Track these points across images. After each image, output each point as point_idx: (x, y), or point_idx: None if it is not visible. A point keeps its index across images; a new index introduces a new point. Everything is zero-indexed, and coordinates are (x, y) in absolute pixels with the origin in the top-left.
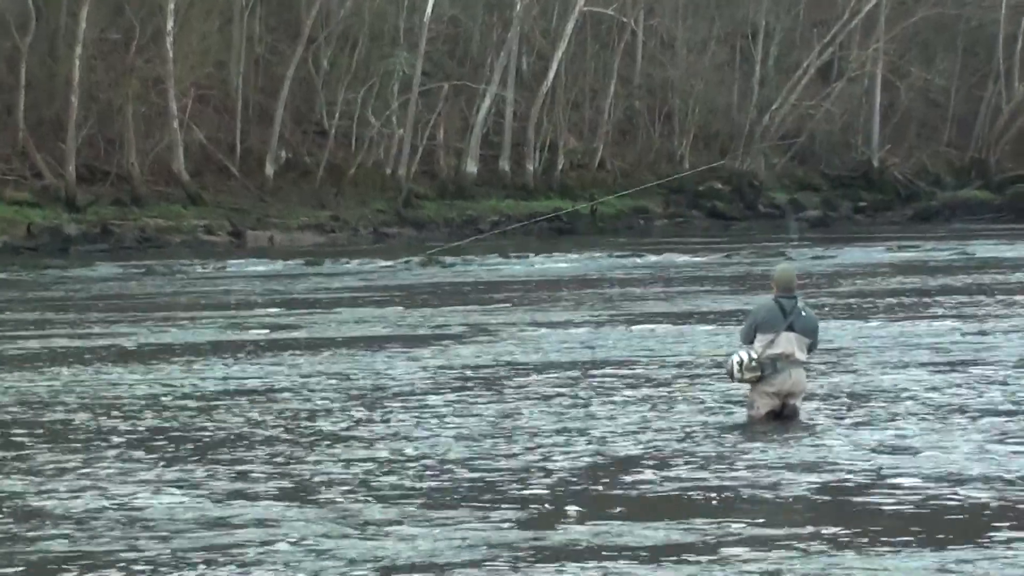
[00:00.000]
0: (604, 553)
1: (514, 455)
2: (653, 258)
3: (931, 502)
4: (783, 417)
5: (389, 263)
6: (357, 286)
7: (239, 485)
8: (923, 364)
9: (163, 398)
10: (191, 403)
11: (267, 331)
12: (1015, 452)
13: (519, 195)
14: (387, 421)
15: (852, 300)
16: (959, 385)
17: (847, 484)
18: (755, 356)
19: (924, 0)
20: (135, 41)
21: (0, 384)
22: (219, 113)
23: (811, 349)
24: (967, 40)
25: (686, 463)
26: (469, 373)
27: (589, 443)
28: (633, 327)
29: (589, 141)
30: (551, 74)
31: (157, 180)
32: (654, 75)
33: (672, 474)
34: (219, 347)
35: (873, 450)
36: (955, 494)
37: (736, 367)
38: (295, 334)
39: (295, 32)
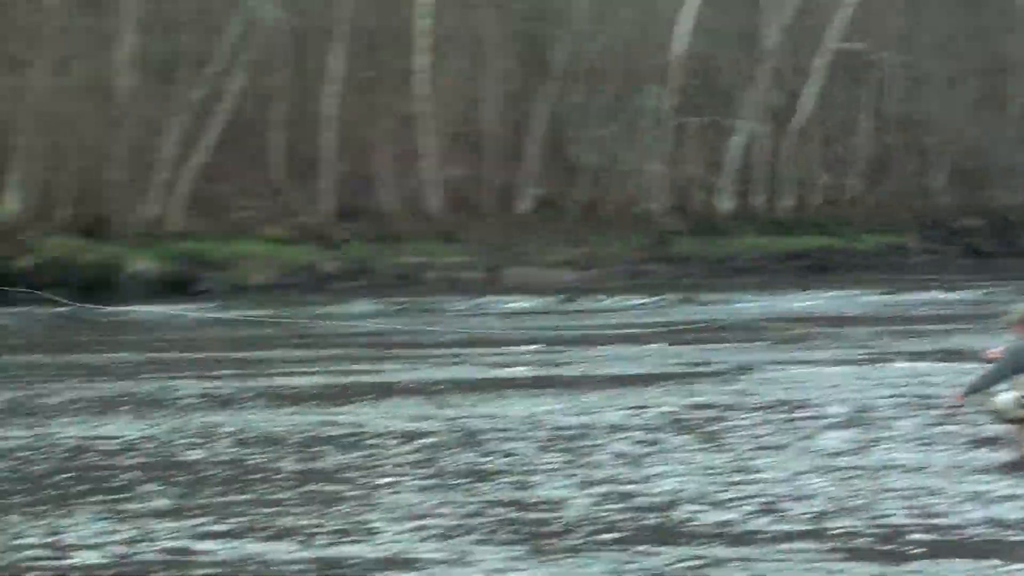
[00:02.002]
0: None
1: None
2: (912, 295)
3: None
4: None
5: (646, 300)
6: (616, 323)
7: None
8: None
9: (312, 435)
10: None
11: (527, 368)
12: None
13: (773, 231)
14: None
15: None
16: None
17: None
18: (1016, 394)
19: None
20: (388, 79)
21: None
22: (472, 150)
23: None
24: None
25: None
26: (683, 415)
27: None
28: (897, 364)
29: (841, 176)
30: (802, 109)
31: (412, 217)
32: (906, 110)
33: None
34: (464, 385)
35: None
36: None
37: (1012, 403)
38: (555, 371)
39: (546, 69)
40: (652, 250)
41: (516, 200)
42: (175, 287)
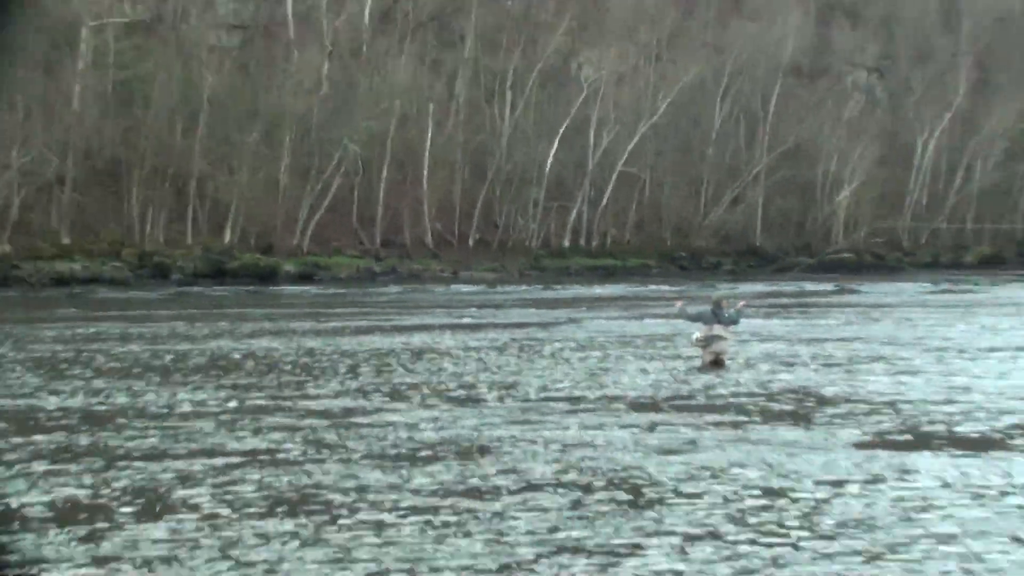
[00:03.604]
0: None
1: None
2: (646, 288)
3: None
4: (717, 365)
5: (525, 287)
6: (508, 299)
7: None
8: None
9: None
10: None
11: (470, 319)
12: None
13: (591, 256)
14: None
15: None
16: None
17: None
18: (701, 335)
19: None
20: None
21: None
22: (448, 212)
23: (732, 324)
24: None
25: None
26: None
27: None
28: (631, 323)
29: (622, 231)
30: (605, 199)
31: (418, 247)
32: (654, 201)
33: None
34: (423, 328)
35: None
36: None
37: (694, 339)
38: (481, 321)
39: (483, 175)
40: (531, 263)
41: (468, 239)
42: (304, 278)
